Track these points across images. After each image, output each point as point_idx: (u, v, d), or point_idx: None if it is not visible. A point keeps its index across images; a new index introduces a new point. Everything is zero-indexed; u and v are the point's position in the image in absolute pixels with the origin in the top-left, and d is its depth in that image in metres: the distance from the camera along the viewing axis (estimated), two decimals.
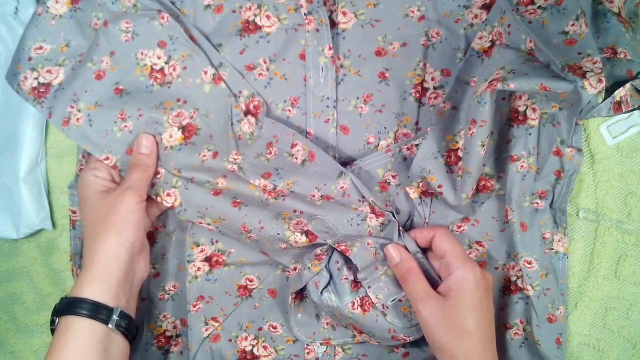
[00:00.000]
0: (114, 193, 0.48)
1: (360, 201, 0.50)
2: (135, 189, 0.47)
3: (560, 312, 0.50)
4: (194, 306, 0.53)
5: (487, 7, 0.49)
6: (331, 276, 0.50)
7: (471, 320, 0.44)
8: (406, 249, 0.48)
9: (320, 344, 0.51)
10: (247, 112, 0.50)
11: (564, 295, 0.51)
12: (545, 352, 0.49)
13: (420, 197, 0.49)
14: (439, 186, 0.47)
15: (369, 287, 0.48)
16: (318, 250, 0.50)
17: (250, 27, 0.51)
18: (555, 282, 0.50)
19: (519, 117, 0.48)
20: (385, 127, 0.51)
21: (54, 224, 0.57)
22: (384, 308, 0.47)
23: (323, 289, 0.49)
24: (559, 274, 0.51)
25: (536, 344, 0.50)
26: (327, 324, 0.51)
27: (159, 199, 0.50)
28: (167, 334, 0.54)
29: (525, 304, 0.51)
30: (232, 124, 0.50)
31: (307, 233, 0.49)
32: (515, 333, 0.51)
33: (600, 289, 0.53)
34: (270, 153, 0.50)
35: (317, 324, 0.51)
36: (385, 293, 0.48)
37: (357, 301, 0.48)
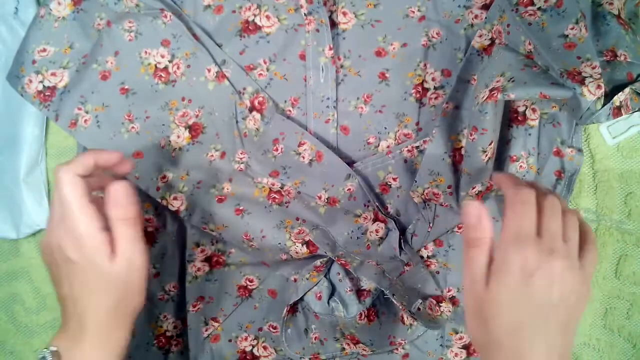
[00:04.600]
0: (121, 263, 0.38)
1: (365, 205, 0.50)
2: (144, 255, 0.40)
3: None
4: (194, 306, 0.53)
5: (487, 8, 0.49)
6: (333, 287, 0.50)
7: (501, 322, 0.35)
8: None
9: (309, 359, 0.51)
10: (252, 109, 0.50)
11: None
12: None
13: (424, 202, 0.49)
14: (449, 187, 0.47)
15: (393, 294, 0.48)
16: (318, 262, 0.50)
17: (250, 27, 0.51)
18: None
19: (519, 118, 0.48)
20: (385, 128, 0.51)
21: None
22: (411, 314, 0.48)
23: (329, 299, 0.49)
24: None
25: None
26: (316, 338, 0.51)
27: (164, 202, 0.50)
28: (168, 334, 0.54)
29: None
30: (236, 121, 0.50)
31: (308, 244, 0.49)
32: None
33: (600, 289, 0.53)
34: (277, 150, 0.50)
35: (305, 339, 0.51)
36: (407, 300, 0.48)
37: (365, 312, 0.49)
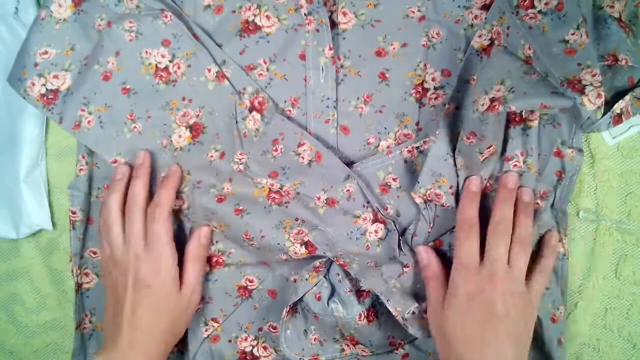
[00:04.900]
0: (186, 296, 0.49)
1: (364, 206, 0.50)
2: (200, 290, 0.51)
3: (561, 312, 0.50)
4: None
5: (487, 8, 0.49)
6: (333, 287, 0.50)
7: (458, 339, 0.43)
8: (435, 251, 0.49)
9: None
10: (252, 109, 0.50)
11: (564, 295, 0.51)
12: (549, 352, 0.49)
13: (425, 202, 0.49)
14: (450, 187, 0.47)
15: (387, 300, 0.47)
16: (317, 263, 0.50)
17: (250, 27, 0.51)
18: (556, 282, 0.50)
19: (516, 118, 0.48)
20: (385, 128, 0.51)
21: (54, 224, 0.57)
22: (404, 320, 0.48)
23: (329, 299, 0.49)
24: (560, 274, 0.51)
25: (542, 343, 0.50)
26: (315, 339, 0.51)
27: None
28: None
29: None
30: (236, 122, 0.50)
31: (306, 244, 0.49)
32: None
33: (600, 289, 0.53)
34: (277, 150, 0.50)
35: (305, 340, 0.51)
36: (402, 304, 0.48)
37: (364, 313, 0.48)
